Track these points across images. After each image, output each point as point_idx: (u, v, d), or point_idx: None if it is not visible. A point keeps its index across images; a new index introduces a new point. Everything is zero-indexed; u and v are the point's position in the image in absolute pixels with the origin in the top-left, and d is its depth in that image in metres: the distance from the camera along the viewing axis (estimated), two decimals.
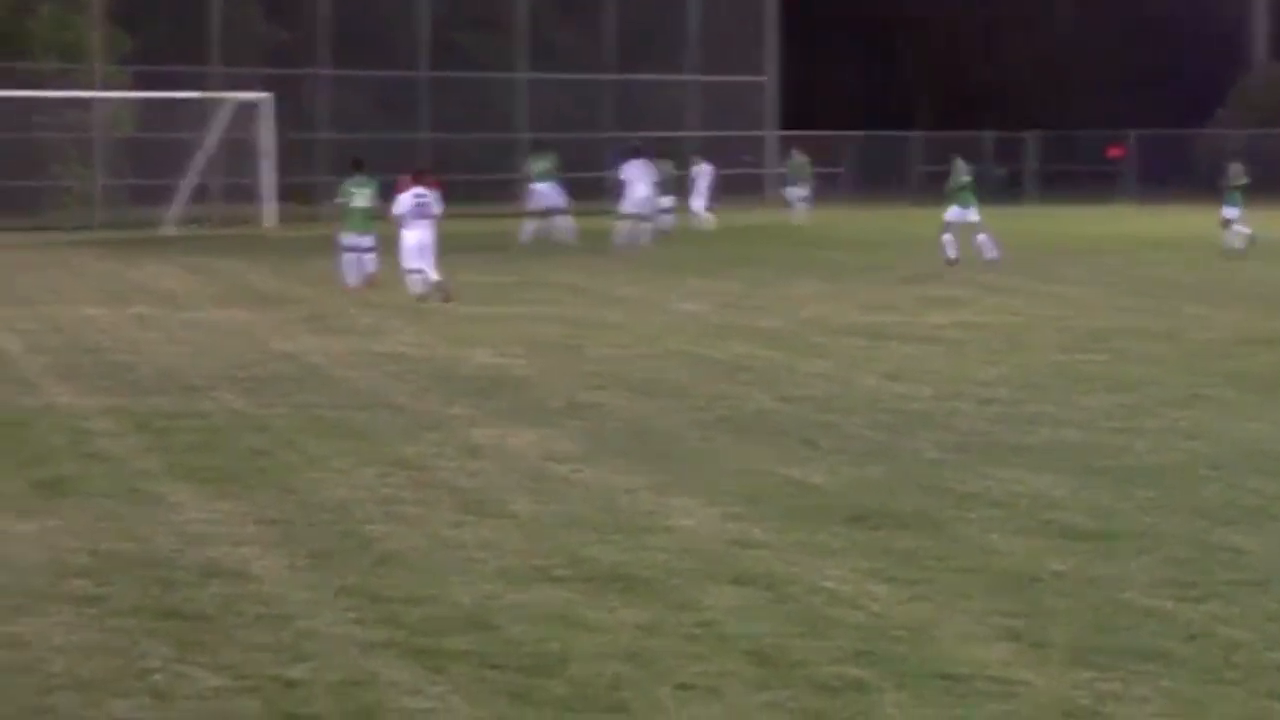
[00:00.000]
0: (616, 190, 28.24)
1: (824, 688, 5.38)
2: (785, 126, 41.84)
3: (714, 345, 15.03)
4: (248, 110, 30.89)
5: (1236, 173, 27.08)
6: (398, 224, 19.17)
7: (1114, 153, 48.14)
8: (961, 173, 25.46)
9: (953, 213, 24.90)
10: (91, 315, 17.09)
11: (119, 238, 29.34)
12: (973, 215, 24.80)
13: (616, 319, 17.17)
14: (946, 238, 24.51)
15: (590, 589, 6.58)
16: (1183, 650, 5.77)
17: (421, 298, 18.67)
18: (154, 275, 22.34)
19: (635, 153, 28.60)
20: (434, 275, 18.68)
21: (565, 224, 28.17)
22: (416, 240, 18.74)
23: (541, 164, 28.77)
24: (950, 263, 23.93)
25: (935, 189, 44.29)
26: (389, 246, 19.61)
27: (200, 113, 31.60)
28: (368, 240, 20.09)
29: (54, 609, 6.19)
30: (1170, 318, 17.49)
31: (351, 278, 19.78)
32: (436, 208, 19.22)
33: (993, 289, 20.86)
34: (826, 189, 39.30)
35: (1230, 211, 26.47)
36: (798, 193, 36.55)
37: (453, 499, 8.31)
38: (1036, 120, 45.64)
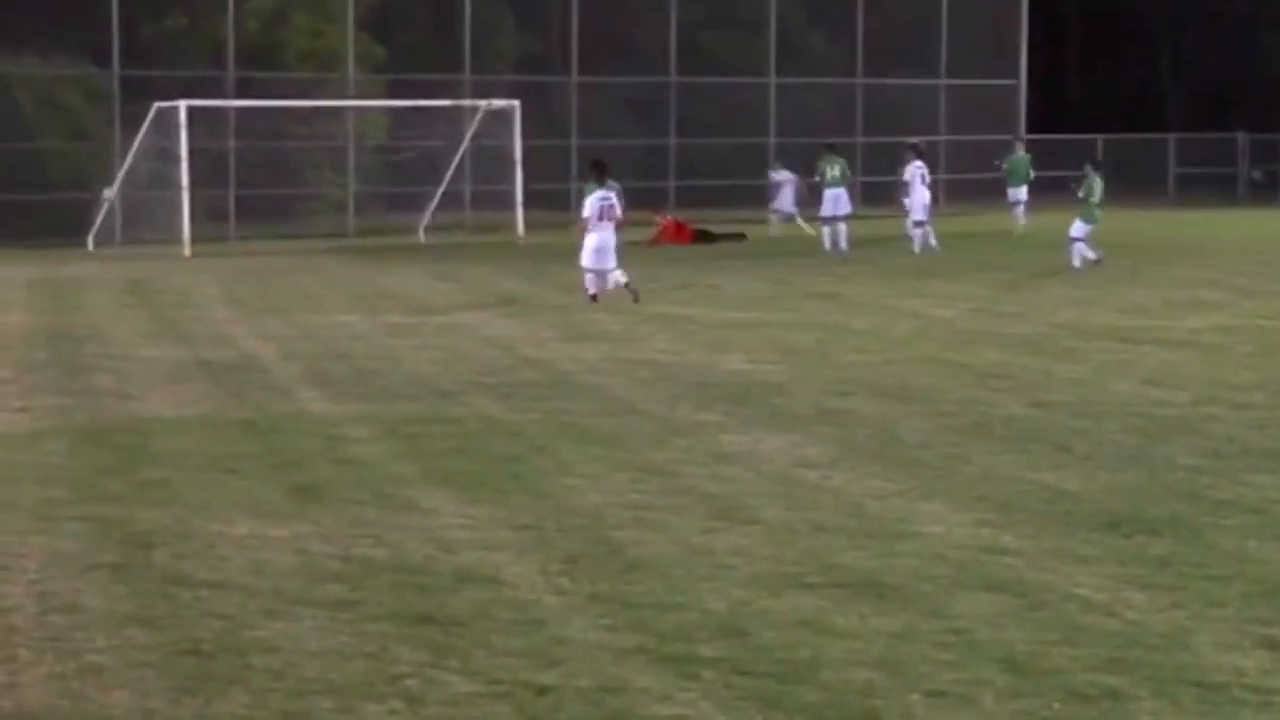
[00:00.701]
0: (901, 192, 27.84)
1: (1078, 695, 5.27)
2: (1036, 130, 40.69)
3: (964, 350, 14.76)
4: (498, 117, 31.61)
5: None
6: (584, 227, 19.44)
7: None
8: (1095, 187, 23.87)
9: (1078, 228, 23.52)
10: (344, 322, 17.58)
11: (372, 245, 30.29)
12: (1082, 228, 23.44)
13: (866, 324, 17.00)
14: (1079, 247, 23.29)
15: (841, 596, 6.55)
16: None
17: (594, 297, 18.96)
18: (406, 282, 22.88)
19: (917, 154, 28.15)
20: (621, 276, 18.95)
21: (846, 230, 27.92)
22: (598, 242, 19.02)
23: (833, 169, 28.41)
24: (1097, 262, 22.89)
25: (1191, 190, 43.24)
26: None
27: (452, 120, 32.39)
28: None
29: (307, 614, 6.33)
30: None
31: (592, 283, 19.38)
32: (619, 209, 19.50)
33: (1250, 293, 19.96)
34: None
35: None
36: (1018, 195, 32.84)
37: (703, 505, 8.36)
38: None
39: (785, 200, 32.63)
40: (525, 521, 7.99)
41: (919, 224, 26.84)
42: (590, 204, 19.39)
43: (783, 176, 32.99)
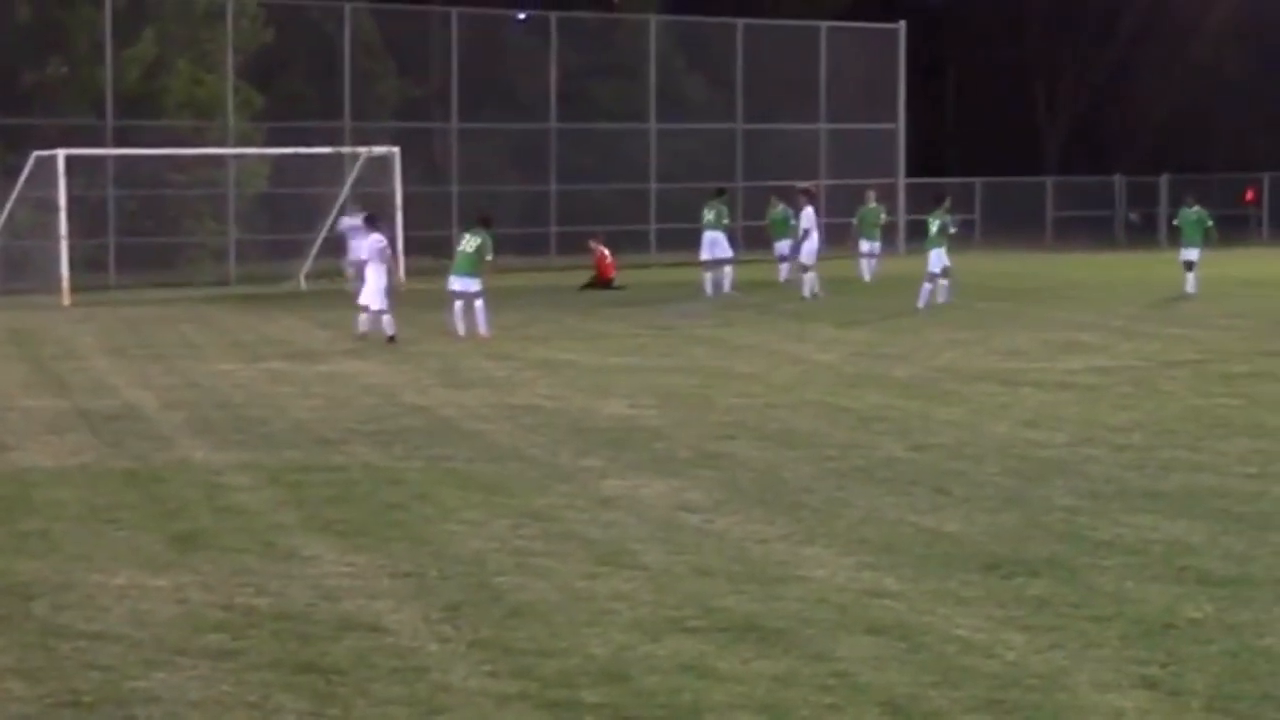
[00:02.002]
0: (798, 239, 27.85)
1: None
2: (915, 173, 41.45)
3: (846, 394, 14.91)
4: (379, 164, 31.46)
5: None
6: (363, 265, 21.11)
7: (1249, 197, 47.14)
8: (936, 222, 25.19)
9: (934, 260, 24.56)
10: (225, 370, 17.36)
11: (253, 293, 29.96)
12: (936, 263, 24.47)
13: (749, 369, 17.10)
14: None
15: (723, 639, 6.55)
16: None
17: (362, 336, 20.03)
18: (287, 329, 22.75)
19: (809, 198, 28.51)
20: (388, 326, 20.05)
21: (730, 274, 28.19)
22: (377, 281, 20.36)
23: (710, 212, 28.56)
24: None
25: (1069, 233, 44.29)
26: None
27: (333, 167, 32.19)
28: (473, 284, 20.48)
29: (189, 664, 6.28)
30: None
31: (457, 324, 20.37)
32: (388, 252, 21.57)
33: (1128, 334, 20.47)
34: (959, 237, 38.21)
35: None
36: (866, 246, 31.12)
37: (585, 550, 8.34)
38: (1169, 164, 44.78)
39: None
40: (407, 569, 7.92)
41: (806, 269, 26.98)
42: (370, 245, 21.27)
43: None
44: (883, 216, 32.89)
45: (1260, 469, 10.61)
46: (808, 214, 27.82)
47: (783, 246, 30.23)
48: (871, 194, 32.75)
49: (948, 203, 26.54)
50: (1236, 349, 18.68)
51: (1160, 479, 10.29)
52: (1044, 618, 6.88)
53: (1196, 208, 27.96)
